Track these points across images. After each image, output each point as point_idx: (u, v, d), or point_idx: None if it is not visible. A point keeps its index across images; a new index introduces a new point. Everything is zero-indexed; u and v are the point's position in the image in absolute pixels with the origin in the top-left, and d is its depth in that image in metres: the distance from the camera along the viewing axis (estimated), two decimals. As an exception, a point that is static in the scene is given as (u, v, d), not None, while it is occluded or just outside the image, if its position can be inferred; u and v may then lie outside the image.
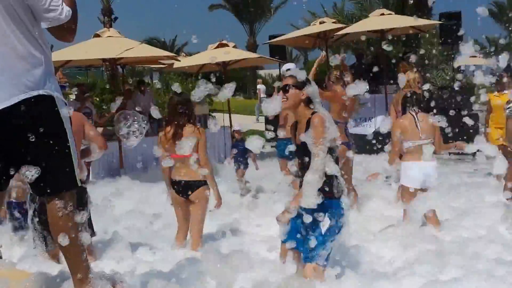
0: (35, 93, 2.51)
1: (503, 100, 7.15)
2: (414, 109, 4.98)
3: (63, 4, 2.54)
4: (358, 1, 17.08)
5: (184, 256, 4.18)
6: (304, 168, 3.34)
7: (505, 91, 7.28)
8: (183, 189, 4.49)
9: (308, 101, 3.43)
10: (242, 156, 7.66)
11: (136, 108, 11.38)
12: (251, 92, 39.24)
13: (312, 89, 3.42)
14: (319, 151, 3.21)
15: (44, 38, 2.59)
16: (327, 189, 3.26)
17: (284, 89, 3.45)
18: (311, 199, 3.17)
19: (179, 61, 11.50)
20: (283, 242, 3.56)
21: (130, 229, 5.49)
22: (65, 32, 2.60)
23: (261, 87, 22.00)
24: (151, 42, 34.79)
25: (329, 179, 3.27)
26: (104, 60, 10.43)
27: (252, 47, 35.64)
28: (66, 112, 2.61)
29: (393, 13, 12.14)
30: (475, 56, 22.05)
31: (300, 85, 3.42)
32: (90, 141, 4.07)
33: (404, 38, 14.50)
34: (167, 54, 11.06)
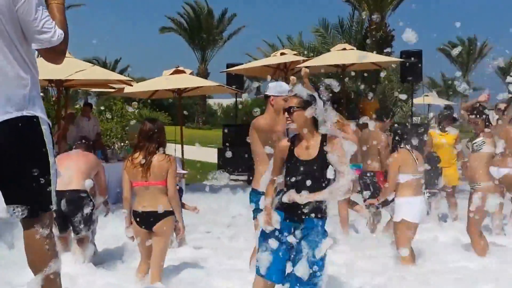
0: (18, 114, 2.64)
1: (448, 139, 7.81)
2: (407, 146, 5.30)
3: (56, 26, 2.69)
4: (320, 34, 17.85)
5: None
6: (304, 186, 3.46)
7: (447, 130, 7.85)
8: (147, 220, 4.54)
9: (315, 120, 3.57)
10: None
11: (80, 134, 11.35)
12: (200, 121, 39.47)
13: (318, 108, 3.52)
14: (345, 169, 3.43)
15: (32, 59, 2.72)
16: (322, 209, 3.50)
17: (289, 111, 3.55)
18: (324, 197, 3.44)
19: (131, 85, 11.54)
20: (267, 278, 3.54)
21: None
22: (56, 54, 2.74)
23: None
24: (91, 62, 34.46)
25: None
26: (50, 81, 10.33)
27: (203, 75, 35.98)
28: (49, 132, 2.71)
29: (355, 48, 12.81)
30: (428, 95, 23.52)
31: (305, 105, 3.53)
32: (97, 184, 5.55)
33: (365, 74, 15.27)
34: (121, 78, 11.10)
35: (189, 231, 7.03)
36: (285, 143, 3.65)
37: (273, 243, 3.49)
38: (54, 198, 2.74)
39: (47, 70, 9.67)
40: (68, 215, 5.17)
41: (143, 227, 4.57)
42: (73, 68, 9.39)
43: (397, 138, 5.36)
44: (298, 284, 3.40)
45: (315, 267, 3.39)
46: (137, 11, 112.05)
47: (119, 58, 41.98)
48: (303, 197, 3.39)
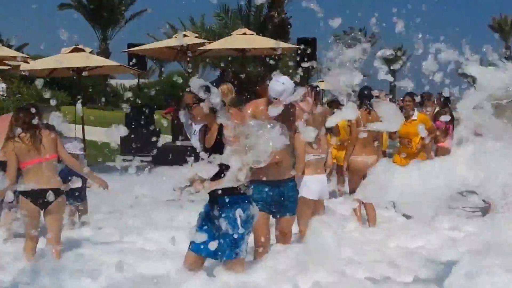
0: None
1: (341, 122, 8.45)
2: None
3: None
4: (221, 18, 17.94)
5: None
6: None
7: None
8: (41, 198, 4.50)
9: (212, 109, 3.74)
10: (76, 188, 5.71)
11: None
12: (101, 101, 38.01)
13: (213, 98, 3.69)
14: (237, 154, 3.60)
15: None
16: (233, 187, 3.70)
17: (189, 108, 3.76)
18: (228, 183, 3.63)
19: (28, 63, 10.94)
20: (197, 252, 3.88)
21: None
22: None
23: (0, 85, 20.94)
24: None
25: None
26: None
27: (104, 54, 34.59)
28: None
29: (255, 33, 13.09)
30: (323, 81, 24.66)
31: (201, 99, 3.70)
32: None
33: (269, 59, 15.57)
34: (15, 54, 10.48)
35: (92, 212, 6.97)
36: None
37: (200, 222, 3.89)
38: None
39: None
40: None
41: (37, 203, 4.54)
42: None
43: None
44: (223, 252, 3.74)
45: (235, 238, 3.72)
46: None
47: (13, 36, 38.75)
48: (206, 187, 3.66)
